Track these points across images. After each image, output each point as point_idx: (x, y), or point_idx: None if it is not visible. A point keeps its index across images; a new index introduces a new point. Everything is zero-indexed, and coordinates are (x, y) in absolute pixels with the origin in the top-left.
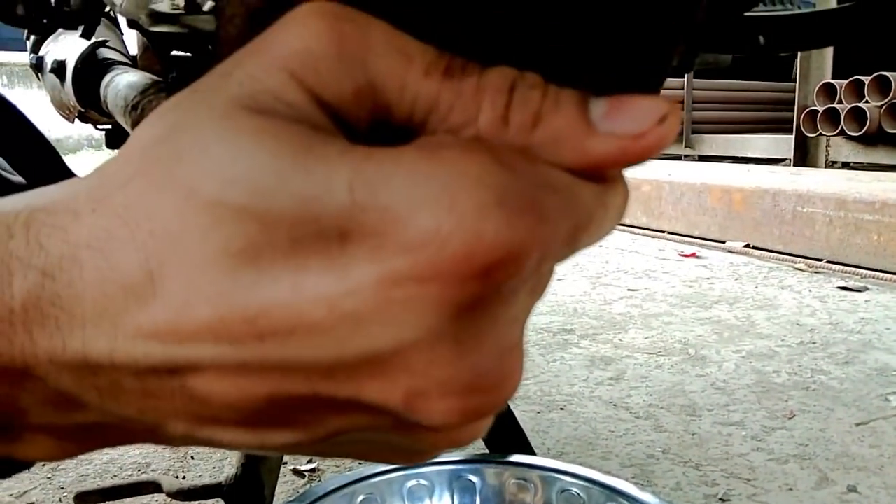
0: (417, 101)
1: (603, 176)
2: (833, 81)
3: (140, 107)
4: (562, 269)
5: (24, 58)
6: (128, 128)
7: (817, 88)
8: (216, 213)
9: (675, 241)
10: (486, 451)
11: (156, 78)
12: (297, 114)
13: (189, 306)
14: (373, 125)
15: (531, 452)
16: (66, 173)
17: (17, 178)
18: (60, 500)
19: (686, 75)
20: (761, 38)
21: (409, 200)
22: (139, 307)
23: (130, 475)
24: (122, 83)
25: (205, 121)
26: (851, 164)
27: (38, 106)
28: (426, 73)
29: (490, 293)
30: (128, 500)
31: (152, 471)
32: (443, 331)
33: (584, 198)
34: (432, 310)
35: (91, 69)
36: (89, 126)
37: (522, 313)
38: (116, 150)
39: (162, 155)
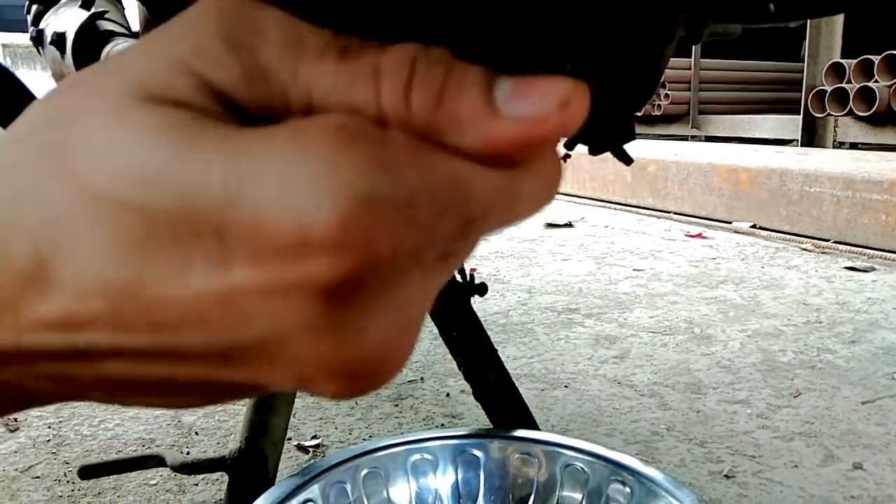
0: (312, 85)
1: (511, 160)
2: (842, 61)
3: None
4: (566, 249)
5: (26, 39)
6: None
7: (826, 68)
8: (103, 204)
9: (681, 221)
10: (491, 426)
11: None
12: (185, 100)
13: (84, 296)
14: (273, 110)
15: (535, 428)
16: None
17: None
18: (65, 475)
19: (693, 55)
20: (771, 6)
21: (275, 198)
22: (36, 296)
23: (135, 450)
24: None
25: (96, 109)
26: (860, 145)
27: (41, 87)
28: (319, 56)
29: (362, 286)
30: (132, 473)
31: (156, 446)
32: (318, 322)
33: (479, 188)
34: (303, 305)
35: (91, 40)
36: None
37: (417, 296)
38: None
39: (52, 141)
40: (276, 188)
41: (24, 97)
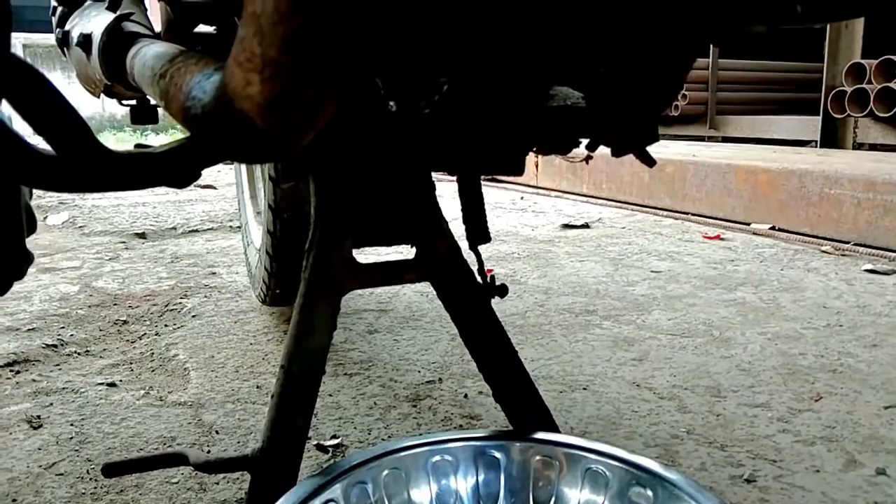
0: None
1: None
2: (862, 61)
3: (168, 74)
4: (583, 251)
5: (46, 39)
6: (154, 98)
7: (846, 69)
8: None
9: (699, 223)
10: (510, 427)
11: (183, 48)
12: None
13: None
14: None
15: (555, 430)
16: (94, 145)
17: (47, 149)
18: (88, 472)
19: (711, 56)
20: (799, 7)
21: None
22: None
23: (156, 448)
24: (149, 54)
25: None
26: (880, 147)
27: (61, 88)
28: None
29: None
30: (154, 472)
31: (177, 444)
32: None
33: None
34: None
35: (117, 41)
36: (112, 107)
37: None
38: (141, 126)
39: None
40: None
41: (55, 101)
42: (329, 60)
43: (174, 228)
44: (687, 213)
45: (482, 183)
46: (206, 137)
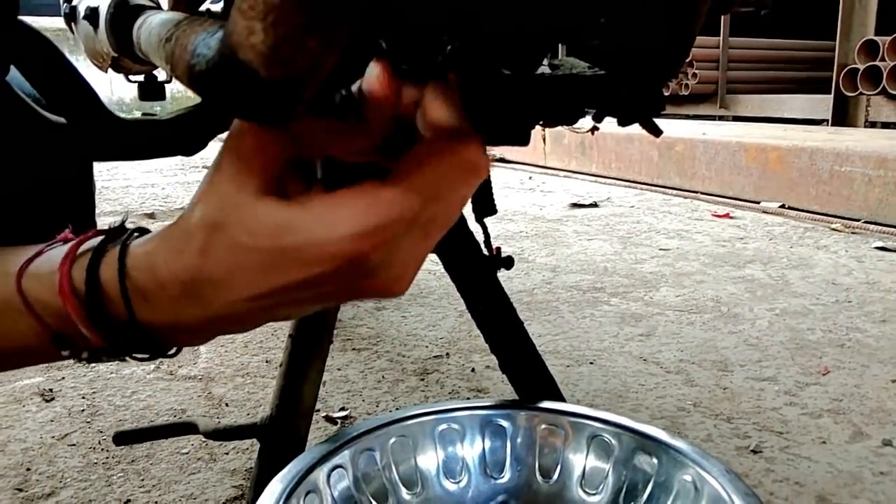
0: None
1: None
2: (875, 38)
3: (174, 37)
4: (591, 229)
5: (53, 23)
6: (160, 64)
7: (858, 46)
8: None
9: (708, 201)
10: (517, 397)
11: (187, 14)
12: (276, 189)
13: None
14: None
15: (562, 401)
16: (104, 111)
17: (57, 118)
18: (100, 443)
19: (721, 34)
20: None
21: (326, 234)
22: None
23: (166, 420)
24: (155, 21)
25: (241, 205)
26: (892, 125)
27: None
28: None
29: (368, 262)
30: (164, 442)
31: (187, 416)
32: (350, 280)
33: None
34: (341, 276)
35: (124, 13)
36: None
37: (408, 256)
38: (148, 103)
39: (217, 223)
40: (326, 230)
41: (64, 67)
42: (330, 8)
43: (183, 209)
44: (696, 192)
45: (491, 164)
46: (210, 94)
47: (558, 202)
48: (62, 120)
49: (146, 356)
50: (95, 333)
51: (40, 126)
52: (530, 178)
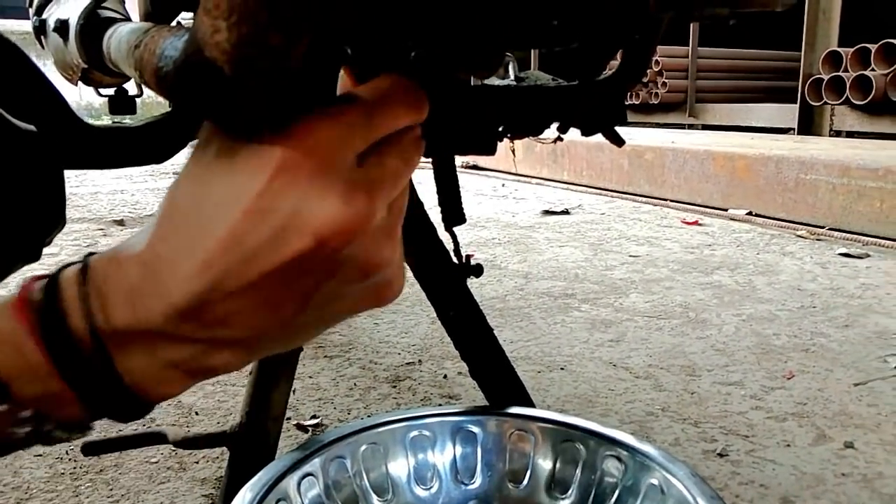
0: None
1: None
2: (839, 49)
3: (143, 44)
4: (563, 236)
5: (21, 26)
6: (130, 71)
7: (823, 56)
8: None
9: (677, 209)
10: (488, 404)
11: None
12: None
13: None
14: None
15: (531, 406)
16: (75, 119)
17: (27, 126)
18: (67, 452)
19: (690, 43)
20: None
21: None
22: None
23: (135, 430)
24: (124, 31)
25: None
26: (856, 134)
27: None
28: None
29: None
30: (133, 452)
31: (157, 425)
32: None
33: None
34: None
35: (94, 25)
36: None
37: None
38: (117, 117)
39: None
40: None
41: (33, 74)
42: (293, 6)
43: (153, 215)
44: (666, 200)
45: (462, 171)
46: (178, 96)
47: (530, 209)
48: (32, 127)
49: (117, 415)
50: (47, 358)
51: (9, 133)
52: (503, 185)
